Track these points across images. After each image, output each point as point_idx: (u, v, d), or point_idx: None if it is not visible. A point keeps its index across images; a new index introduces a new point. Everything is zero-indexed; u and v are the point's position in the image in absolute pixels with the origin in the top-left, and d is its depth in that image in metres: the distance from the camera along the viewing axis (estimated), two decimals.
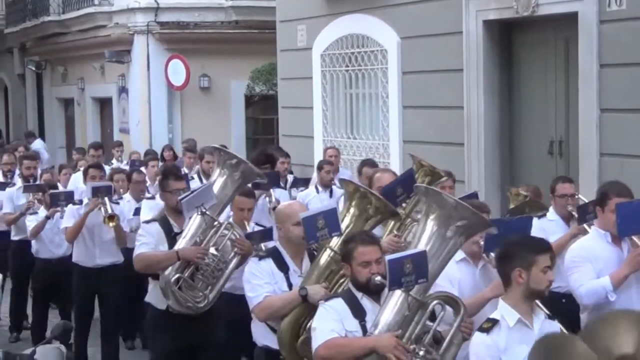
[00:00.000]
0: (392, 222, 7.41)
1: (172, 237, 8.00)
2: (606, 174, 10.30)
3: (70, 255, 11.12)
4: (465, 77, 12.17)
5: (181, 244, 7.83)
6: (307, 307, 6.41)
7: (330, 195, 12.14)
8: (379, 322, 5.62)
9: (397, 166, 13.19)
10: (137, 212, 11.11)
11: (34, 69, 28.00)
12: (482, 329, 5.53)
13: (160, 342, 8.12)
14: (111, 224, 10.04)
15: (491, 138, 12.09)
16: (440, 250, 5.70)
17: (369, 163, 11.67)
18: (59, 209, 10.86)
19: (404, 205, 7.50)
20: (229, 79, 22.10)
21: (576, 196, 8.94)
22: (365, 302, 5.83)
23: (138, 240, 8.11)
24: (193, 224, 7.87)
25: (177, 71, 21.59)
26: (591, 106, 10.58)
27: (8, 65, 30.35)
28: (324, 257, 6.61)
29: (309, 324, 6.27)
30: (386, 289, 5.65)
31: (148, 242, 7.97)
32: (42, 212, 11.48)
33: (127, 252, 11.12)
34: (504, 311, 5.58)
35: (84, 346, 10.70)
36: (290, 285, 6.70)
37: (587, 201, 8.55)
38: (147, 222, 8.35)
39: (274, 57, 17.28)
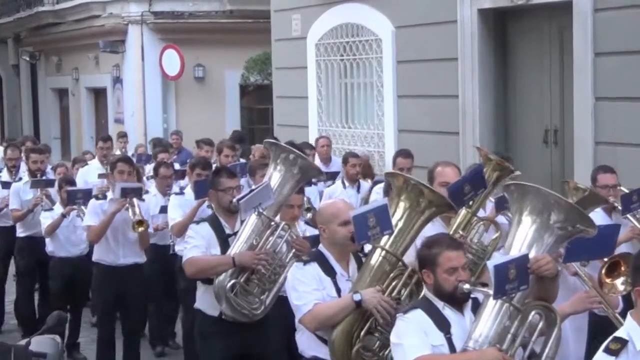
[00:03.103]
0: (457, 222, 6.83)
1: (224, 239, 7.42)
2: (601, 162, 10.28)
3: (87, 254, 10.74)
4: (460, 66, 12.16)
5: (236, 246, 7.26)
6: (361, 314, 5.92)
7: (358, 190, 11.60)
8: (476, 335, 5.14)
9: (391, 155, 13.19)
10: (162, 209, 10.57)
11: (28, 59, 27.92)
12: (609, 351, 4.70)
13: (213, 351, 7.52)
14: (140, 229, 9.49)
15: (486, 127, 12.08)
16: (538, 252, 5.20)
17: (404, 153, 11.13)
18: (75, 207, 10.36)
19: (470, 203, 6.86)
20: (223, 68, 22.09)
21: (618, 187, 8.46)
22: (448, 312, 5.34)
23: (187, 243, 7.48)
24: (248, 225, 7.28)
25: (172, 61, 21.57)
26: (586, 95, 10.58)
27: (2, 56, 30.24)
28: (375, 258, 6.07)
29: (362, 332, 5.91)
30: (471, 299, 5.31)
31: (199, 245, 7.37)
32: (58, 208, 10.88)
33: (151, 251, 10.53)
34: (633, 331, 4.69)
35: (110, 348, 10.05)
36: (338, 291, 6.14)
37: (628, 191, 8.24)
38: (197, 222, 7.70)
39: (268, 47, 17.27)
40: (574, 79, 10.77)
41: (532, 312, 5.18)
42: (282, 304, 6.91)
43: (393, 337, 5.37)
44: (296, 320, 6.21)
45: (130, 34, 22.30)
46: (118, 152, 16.33)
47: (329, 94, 15.05)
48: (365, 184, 11.65)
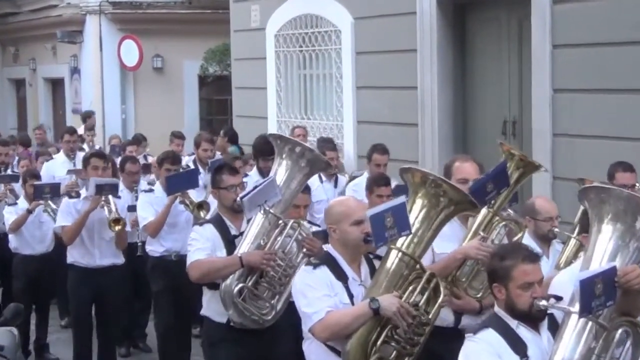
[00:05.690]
0: (478, 221, 6.47)
1: (230, 241, 7.04)
2: (559, 154, 10.37)
3: (53, 252, 10.50)
4: (419, 57, 12.16)
5: (242, 247, 6.85)
6: (377, 322, 5.53)
7: (335, 185, 11.16)
8: (558, 358, 4.65)
9: (351, 147, 13.22)
10: (130, 208, 10.11)
11: None
12: None
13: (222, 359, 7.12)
14: (117, 228, 9.06)
15: (445, 118, 12.10)
16: (624, 262, 4.71)
17: (380, 149, 10.89)
18: (42, 202, 9.98)
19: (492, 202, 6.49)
20: (182, 59, 22.02)
21: (637, 186, 8.08)
22: (523, 331, 4.86)
23: (191, 245, 7.03)
24: (255, 224, 6.88)
25: (130, 51, 21.46)
26: (544, 86, 10.61)
27: None
28: (392, 260, 5.68)
29: (379, 341, 5.53)
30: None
31: (204, 247, 6.95)
32: (22, 203, 10.51)
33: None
34: None
35: (89, 353, 9.70)
36: (351, 297, 5.69)
37: None
38: (200, 224, 7.29)
39: (227, 38, 17.21)
40: (532, 70, 10.80)
41: (619, 330, 4.71)
42: (292, 309, 6.49)
43: None
44: (304, 329, 5.78)
45: (88, 24, 22.16)
46: (86, 147, 16.01)
47: (288, 85, 15.01)
48: (343, 179, 11.38)
